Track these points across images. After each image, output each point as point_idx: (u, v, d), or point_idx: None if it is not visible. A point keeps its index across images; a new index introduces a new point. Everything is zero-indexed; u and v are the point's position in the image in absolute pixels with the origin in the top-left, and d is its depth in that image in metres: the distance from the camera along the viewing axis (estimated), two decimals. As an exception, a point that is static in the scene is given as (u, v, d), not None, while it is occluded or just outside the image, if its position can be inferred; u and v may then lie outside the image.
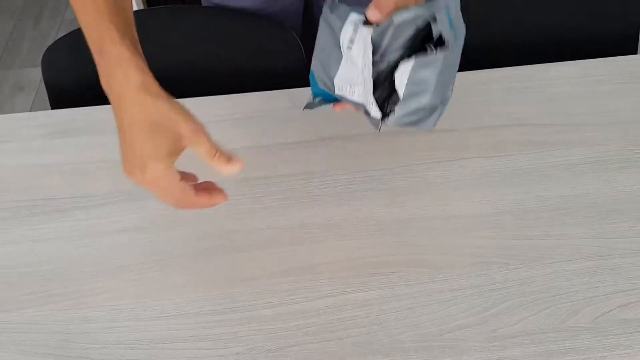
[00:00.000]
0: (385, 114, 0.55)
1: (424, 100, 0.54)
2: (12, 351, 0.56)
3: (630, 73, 0.78)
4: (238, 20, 0.90)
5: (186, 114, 0.48)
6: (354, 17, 0.54)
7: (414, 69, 0.53)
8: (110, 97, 0.49)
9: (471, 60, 0.82)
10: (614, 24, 0.94)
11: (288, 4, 0.93)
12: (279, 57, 0.90)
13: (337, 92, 0.57)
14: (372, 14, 0.52)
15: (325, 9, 0.56)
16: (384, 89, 0.55)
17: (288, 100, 0.78)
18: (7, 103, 1.89)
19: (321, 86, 0.58)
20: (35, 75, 1.97)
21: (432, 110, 0.55)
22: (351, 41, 0.54)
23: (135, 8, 1.68)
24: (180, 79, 0.95)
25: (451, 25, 0.54)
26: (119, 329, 0.57)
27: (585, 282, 0.59)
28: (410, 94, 0.54)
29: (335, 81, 0.57)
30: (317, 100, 0.60)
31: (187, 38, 0.93)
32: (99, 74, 0.49)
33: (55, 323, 0.58)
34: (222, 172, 0.49)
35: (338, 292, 0.59)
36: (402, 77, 0.54)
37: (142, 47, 0.95)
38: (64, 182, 0.70)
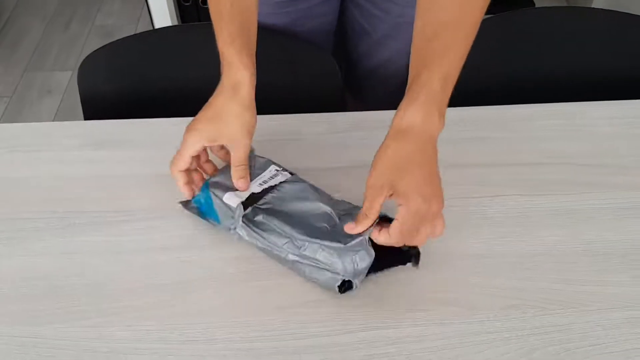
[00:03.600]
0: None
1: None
2: (38, 367, 0.56)
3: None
4: (273, 40, 0.90)
5: (244, 128, 0.62)
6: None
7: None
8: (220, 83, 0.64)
9: (515, 94, 0.82)
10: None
11: (320, 24, 0.93)
12: (313, 79, 0.90)
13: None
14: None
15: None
16: None
17: (323, 125, 0.78)
18: (34, 105, 1.91)
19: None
20: (63, 79, 1.99)
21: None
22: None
23: (169, 24, 1.71)
24: (209, 97, 0.95)
25: None
26: (147, 350, 0.56)
27: (627, 333, 0.57)
28: None
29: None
30: (192, 205, 0.66)
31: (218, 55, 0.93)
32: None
33: (83, 341, 0.57)
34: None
35: (370, 327, 0.58)
36: None
37: (176, 63, 0.96)
38: (99, 196, 0.69)
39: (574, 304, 0.59)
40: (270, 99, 0.89)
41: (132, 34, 0.94)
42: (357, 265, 0.57)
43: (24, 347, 0.57)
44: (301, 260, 0.59)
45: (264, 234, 0.60)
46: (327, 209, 0.61)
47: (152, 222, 0.66)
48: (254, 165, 0.66)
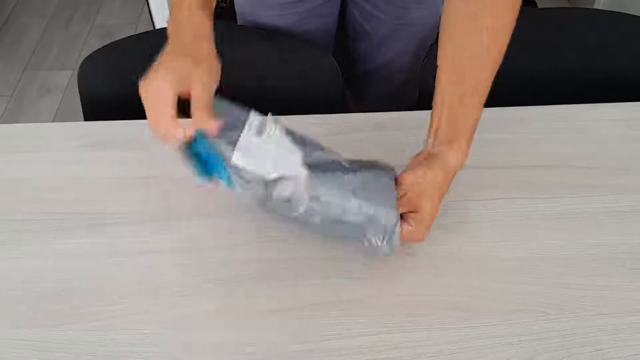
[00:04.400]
0: None
1: None
2: (35, 371, 0.55)
3: (677, 119, 0.76)
4: (274, 41, 0.90)
5: (208, 67, 0.56)
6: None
7: None
8: (170, 28, 0.60)
9: (516, 95, 0.81)
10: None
11: (321, 25, 0.92)
12: (314, 80, 0.89)
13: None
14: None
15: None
16: None
17: (323, 126, 0.77)
18: (33, 105, 1.90)
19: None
20: (62, 78, 1.99)
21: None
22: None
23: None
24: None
25: None
26: (144, 354, 0.56)
27: (629, 339, 0.57)
28: None
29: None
30: (188, 152, 0.58)
31: (219, 56, 0.92)
32: (170, 20, 0.60)
33: (81, 344, 0.57)
34: (196, 123, 0.55)
35: (371, 331, 0.57)
36: None
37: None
38: (97, 197, 0.69)
39: (576, 308, 0.59)
40: (271, 100, 0.89)
41: (132, 33, 0.94)
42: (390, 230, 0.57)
43: (20, 350, 0.56)
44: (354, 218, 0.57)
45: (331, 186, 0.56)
46: (332, 156, 0.60)
47: (150, 224, 0.66)
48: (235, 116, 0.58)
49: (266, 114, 0.60)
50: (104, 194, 0.69)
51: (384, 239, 0.57)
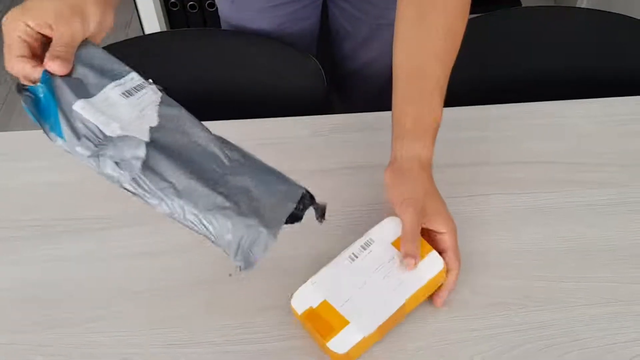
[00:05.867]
0: None
1: None
2: (23, 374, 0.56)
3: (654, 113, 0.78)
4: (257, 44, 0.91)
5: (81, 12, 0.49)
6: None
7: None
8: None
9: (498, 93, 0.83)
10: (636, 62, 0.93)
11: (304, 27, 0.93)
12: (298, 82, 0.90)
13: None
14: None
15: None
16: None
17: (308, 128, 0.79)
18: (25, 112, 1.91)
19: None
20: (54, 84, 1.99)
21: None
22: None
23: (158, 28, 1.71)
24: (197, 101, 0.95)
25: None
26: (132, 356, 0.57)
27: (606, 328, 0.58)
28: None
29: None
30: (27, 94, 0.48)
31: (205, 60, 0.94)
32: None
33: (67, 347, 0.58)
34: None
35: (353, 327, 0.58)
36: None
37: (163, 67, 0.95)
38: (80, 203, 0.70)
39: (555, 300, 0.60)
40: (255, 103, 0.90)
41: (123, 37, 0.95)
42: (246, 246, 0.49)
43: (6, 356, 0.57)
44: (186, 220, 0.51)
45: (151, 184, 0.49)
46: (214, 149, 0.51)
47: (133, 229, 0.67)
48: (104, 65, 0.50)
49: (161, 88, 0.52)
50: (87, 200, 0.70)
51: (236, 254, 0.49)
